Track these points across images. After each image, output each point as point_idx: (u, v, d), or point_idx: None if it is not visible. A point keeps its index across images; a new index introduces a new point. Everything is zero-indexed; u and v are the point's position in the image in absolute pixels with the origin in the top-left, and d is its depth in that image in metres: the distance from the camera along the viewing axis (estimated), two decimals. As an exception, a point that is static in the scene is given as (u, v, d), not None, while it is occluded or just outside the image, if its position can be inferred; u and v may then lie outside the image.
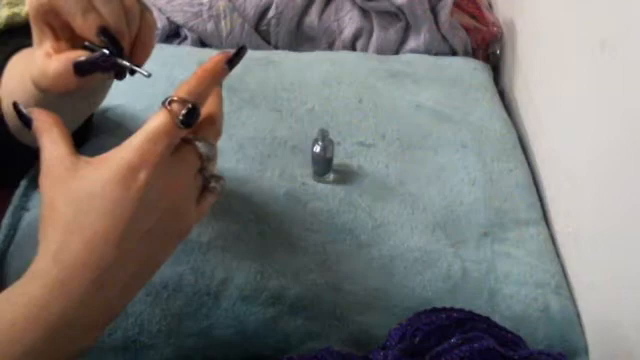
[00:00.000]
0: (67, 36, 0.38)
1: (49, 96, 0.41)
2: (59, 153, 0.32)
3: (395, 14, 0.83)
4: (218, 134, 0.36)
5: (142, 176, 0.31)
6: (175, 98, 0.33)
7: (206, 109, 0.36)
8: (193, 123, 0.33)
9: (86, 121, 0.56)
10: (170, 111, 0.32)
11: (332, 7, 0.84)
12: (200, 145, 0.34)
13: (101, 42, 0.36)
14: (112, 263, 0.31)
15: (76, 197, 0.31)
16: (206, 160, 0.35)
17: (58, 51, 0.37)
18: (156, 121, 0.32)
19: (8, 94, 0.43)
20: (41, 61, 0.37)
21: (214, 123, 0.36)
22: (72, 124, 0.52)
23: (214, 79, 0.34)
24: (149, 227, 0.32)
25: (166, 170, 0.32)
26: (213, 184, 0.36)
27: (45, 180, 0.32)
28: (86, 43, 0.37)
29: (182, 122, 0.32)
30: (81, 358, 0.33)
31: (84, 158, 0.33)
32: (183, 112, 0.32)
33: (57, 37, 0.38)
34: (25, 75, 0.40)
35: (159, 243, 0.33)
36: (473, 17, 0.87)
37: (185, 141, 0.34)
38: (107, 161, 0.32)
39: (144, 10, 0.39)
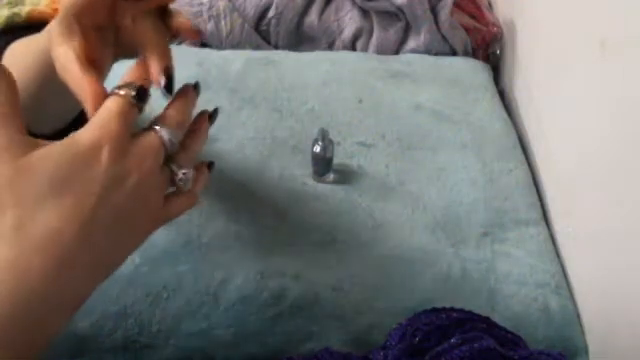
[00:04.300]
0: (92, 40, 0.38)
1: (45, 91, 0.41)
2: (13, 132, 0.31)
3: (395, 14, 0.83)
4: (181, 124, 0.36)
5: (105, 152, 0.31)
6: (122, 84, 0.34)
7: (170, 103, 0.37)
8: (144, 100, 0.34)
9: (82, 122, 0.56)
10: (119, 94, 0.34)
11: (332, 7, 0.84)
12: (160, 129, 0.34)
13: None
14: (79, 241, 0.30)
15: (38, 174, 0.30)
16: (169, 146, 0.34)
17: (87, 52, 0.37)
18: (107, 104, 0.33)
19: None
20: (72, 65, 0.36)
21: (177, 113, 0.36)
22: (64, 117, 0.51)
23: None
24: (116, 205, 0.32)
25: (128, 148, 0.33)
26: (180, 176, 0.35)
27: (4, 154, 0.31)
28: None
29: (134, 97, 0.33)
30: (81, 358, 0.32)
31: (40, 140, 0.32)
32: (132, 93, 0.34)
33: (86, 37, 0.37)
34: (30, 61, 0.40)
35: (127, 227, 0.33)
36: (473, 17, 0.87)
37: (147, 129, 0.35)
38: (67, 142, 0.32)
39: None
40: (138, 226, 0.34)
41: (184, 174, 0.36)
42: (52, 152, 0.31)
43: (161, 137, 0.34)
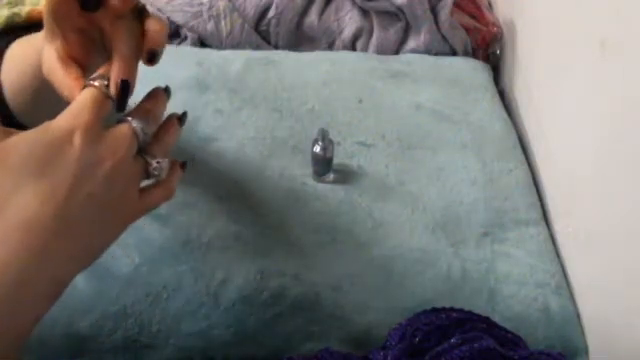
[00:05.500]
0: (73, 42, 0.38)
1: (43, 92, 0.41)
2: None
3: (395, 14, 0.83)
4: (153, 117, 0.37)
5: (77, 139, 0.32)
6: (96, 75, 0.35)
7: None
8: (116, 92, 0.35)
9: None
10: (93, 85, 0.34)
11: (332, 7, 0.84)
12: (132, 120, 0.35)
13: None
14: (56, 225, 0.31)
15: (12, 158, 0.31)
16: (141, 136, 0.35)
17: (69, 52, 0.38)
18: (82, 94, 0.34)
19: (9, 83, 0.44)
20: (55, 65, 0.37)
21: (148, 107, 0.37)
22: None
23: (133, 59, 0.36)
24: (91, 191, 0.32)
25: (101, 136, 0.33)
26: (154, 165, 0.36)
27: None
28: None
29: (107, 87, 0.34)
30: (81, 358, 0.32)
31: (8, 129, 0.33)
32: (105, 83, 0.35)
33: (66, 39, 0.38)
34: (26, 65, 0.41)
35: (104, 215, 0.33)
36: (473, 17, 0.87)
37: (119, 121, 0.36)
38: (41, 129, 0.32)
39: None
40: (115, 214, 0.35)
41: (158, 163, 0.36)
42: (26, 138, 0.32)
43: (133, 127, 0.35)
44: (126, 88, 0.35)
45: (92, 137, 0.33)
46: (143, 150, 0.36)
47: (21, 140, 0.31)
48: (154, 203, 0.37)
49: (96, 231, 0.33)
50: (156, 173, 0.37)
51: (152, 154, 0.36)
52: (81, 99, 0.34)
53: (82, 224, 0.32)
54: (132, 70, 0.36)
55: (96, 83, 0.35)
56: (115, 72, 0.35)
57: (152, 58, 0.37)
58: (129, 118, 0.35)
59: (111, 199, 0.34)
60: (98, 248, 0.34)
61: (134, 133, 0.35)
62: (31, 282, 0.30)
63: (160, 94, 0.39)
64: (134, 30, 0.37)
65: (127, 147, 0.34)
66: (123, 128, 0.35)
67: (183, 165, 0.41)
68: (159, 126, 0.38)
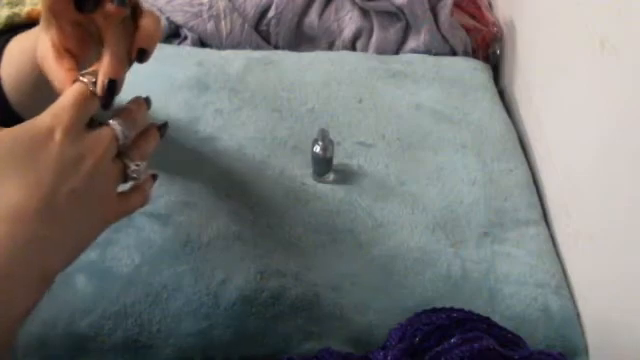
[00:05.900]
0: (69, 34, 0.38)
1: (40, 87, 0.41)
2: None
3: (395, 14, 0.83)
4: (133, 122, 0.38)
5: (58, 135, 0.33)
6: (87, 71, 0.36)
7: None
8: (102, 91, 0.35)
9: None
10: (82, 81, 0.35)
11: (332, 7, 0.84)
12: (113, 123, 0.36)
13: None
14: (41, 216, 0.31)
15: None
16: (122, 138, 0.36)
17: (64, 43, 0.38)
18: (68, 92, 0.35)
19: (8, 77, 0.44)
20: (48, 54, 0.38)
21: (130, 112, 0.38)
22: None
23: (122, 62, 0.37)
24: (74, 187, 0.33)
25: (83, 135, 0.34)
26: (133, 167, 0.37)
27: None
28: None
29: (94, 84, 0.35)
30: (81, 358, 0.32)
31: None
32: (93, 80, 0.35)
33: (62, 30, 0.38)
34: (24, 58, 0.41)
35: (85, 211, 0.34)
36: (473, 17, 0.87)
37: (101, 124, 0.36)
38: (27, 125, 0.33)
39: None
40: (96, 212, 0.35)
41: (137, 166, 0.37)
42: (12, 133, 0.32)
43: (114, 129, 0.36)
44: (113, 87, 0.36)
45: (73, 134, 0.33)
46: (123, 153, 0.37)
47: (6, 134, 0.32)
48: (131, 207, 0.39)
49: (78, 227, 0.34)
50: (134, 175, 0.38)
51: (130, 158, 0.37)
52: (67, 95, 0.34)
53: (66, 218, 0.33)
54: (121, 69, 0.37)
55: (85, 80, 0.35)
56: (103, 70, 0.36)
57: (142, 57, 0.37)
58: (110, 121, 0.36)
59: (92, 197, 0.34)
60: (80, 244, 0.35)
61: (114, 135, 0.36)
62: (19, 273, 0.31)
63: (141, 102, 0.40)
64: (126, 27, 0.37)
65: (106, 147, 0.35)
66: (104, 130, 0.36)
67: (154, 176, 0.42)
68: (139, 133, 0.39)
